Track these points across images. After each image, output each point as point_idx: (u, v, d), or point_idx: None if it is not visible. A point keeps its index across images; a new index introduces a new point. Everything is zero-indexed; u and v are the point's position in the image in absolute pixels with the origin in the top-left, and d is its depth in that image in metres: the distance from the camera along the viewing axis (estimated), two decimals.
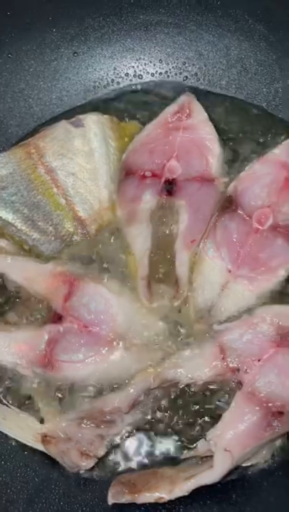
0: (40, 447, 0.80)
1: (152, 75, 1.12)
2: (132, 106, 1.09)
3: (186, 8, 1.06)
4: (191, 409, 0.83)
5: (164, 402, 0.83)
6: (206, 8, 1.06)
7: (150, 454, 0.83)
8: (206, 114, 0.99)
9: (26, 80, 1.08)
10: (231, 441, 0.75)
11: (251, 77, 1.07)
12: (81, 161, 0.97)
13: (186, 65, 1.10)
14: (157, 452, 0.83)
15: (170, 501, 0.74)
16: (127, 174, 0.98)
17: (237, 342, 0.82)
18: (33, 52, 1.07)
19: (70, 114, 1.05)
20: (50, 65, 1.09)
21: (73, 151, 0.97)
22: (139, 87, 1.11)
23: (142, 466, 0.81)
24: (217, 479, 0.74)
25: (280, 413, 0.76)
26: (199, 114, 1.00)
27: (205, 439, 0.76)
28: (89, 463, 0.79)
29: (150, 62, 1.11)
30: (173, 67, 1.11)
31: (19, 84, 1.08)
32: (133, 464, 0.82)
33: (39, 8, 1.05)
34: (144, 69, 1.11)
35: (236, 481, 0.77)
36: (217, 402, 0.82)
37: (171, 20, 1.08)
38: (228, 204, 0.94)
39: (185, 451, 0.80)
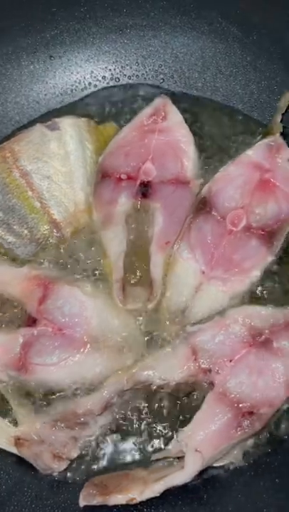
0: (13, 450, 0.80)
1: (129, 77, 1.12)
2: (110, 108, 1.09)
3: (160, 11, 1.07)
4: (163, 410, 0.84)
5: (137, 404, 0.83)
6: (180, 10, 1.06)
7: (123, 456, 0.83)
8: (181, 116, 1.00)
9: (3, 84, 1.08)
10: (202, 442, 0.75)
11: (226, 78, 1.08)
12: (56, 164, 0.98)
13: (163, 67, 1.11)
14: (130, 453, 0.83)
15: (141, 502, 0.74)
16: (103, 177, 0.98)
17: (209, 343, 0.82)
18: (9, 57, 1.08)
19: (47, 117, 1.05)
20: (26, 69, 1.09)
21: (48, 155, 0.98)
22: (116, 89, 1.12)
23: (115, 468, 0.82)
24: (188, 480, 0.74)
25: (251, 413, 0.76)
26: (174, 117, 1.00)
27: (176, 439, 0.77)
28: (61, 465, 0.80)
29: (127, 65, 1.12)
30: (149, 69, 1.11)
31: None
32: (106, 466, 0.82)
33: (14, 12, 1.06)
34: (120, 72, 1.12)
35: (207, 481, 0.78)
36: (189, 404, 0.83)
37: (145, 22, 1.08)
38: (203, 206, 0.94)
39: (157, 453, 0.81)
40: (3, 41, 1.07)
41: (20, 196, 0.95)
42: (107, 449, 0.83)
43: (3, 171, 0.96)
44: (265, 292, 0.90)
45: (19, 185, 0.96)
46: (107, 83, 1.12)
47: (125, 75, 1.12)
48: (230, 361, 0.81)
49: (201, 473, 0.75)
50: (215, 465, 0.78)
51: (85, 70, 1.11)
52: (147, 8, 1.07)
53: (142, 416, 0.84)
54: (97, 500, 0.74)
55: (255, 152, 0.96)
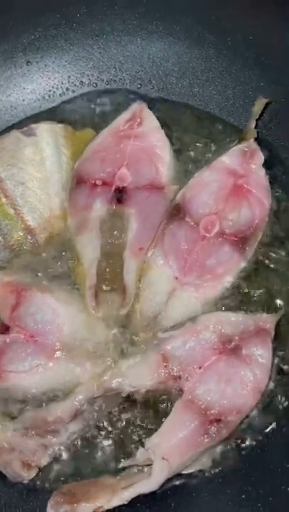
0: None
1: (107, 83, 1.12)
2: (87, 114, 1.09)
3: (136, 16, 1.07)
4: (133, 418, 0.84)
5: (107, 411, 0.83)
6: (156, 16, 1.06)
7: (93, 463, 0.83)
8: (157, 121, 1.00)
9: None
10: (169, 450, 0.75)
11: (203, 84, 1.07)
12: (32, 170, 0.98)
13: (140, 72, 1.11)
14: (99, 461, 0.83)
15: (108, 510, 0.74)
16: (78, 182, 0.98)
17: (180, 350, 0.82)
18: None
19: (25, 123, 1.05)
20: (3, 74, 1.09)
21: (23, 161, 0.98)
22: (93, 95, 1.11)
23: (85, 476, 0.81)
24: (155, 487, 0.74)
25: (218, 421, 0.76)
26: (150, 122, 1.00)
27: (144, 447, 0.77)
28: (31, 473, 0.80)
29: (104, 70, 1.11)
30: (127, 74, 1.11)
31: None
32: (75, 474, 0.82)
33: None
34: (98, 77, 1.12)
35: (176, 488, 0.78)
36: (159, 411, 0.83)
37: (122, 28, 1.08)
38: (176, 212, 0.94)
39: (125, 460, 0.81)
40: None
41: None
42: (77, 456, 0.83)
43: None
44: (236, 298, 0.90)
45: None
46: (85, 88, 1.12)
47: (103, 80, 1.12)
48: (200, 368, 0.81)
49: (169, 480, 0.75)
50: (184, 472, 0.78)
51: (63, 75, 1.11)
52: (124, 13, 1.07)
53: (112, 423, 0.83)
54: (64, 509, 0.74)
55: (229, 158, 0.96)
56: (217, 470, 0.79)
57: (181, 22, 1.05)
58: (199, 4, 1.04)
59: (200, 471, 0.79)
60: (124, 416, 0.84)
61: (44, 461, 0.80)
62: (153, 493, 0.74)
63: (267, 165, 0.96)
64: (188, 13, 1.04)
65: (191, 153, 1.04)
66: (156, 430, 0.79)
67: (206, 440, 0.75)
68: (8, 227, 0.95)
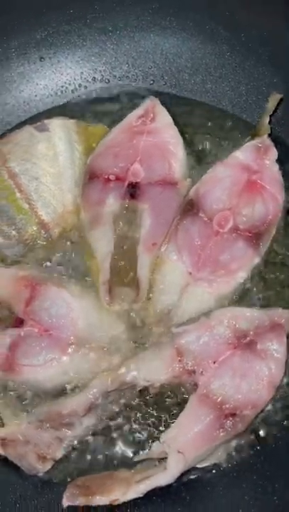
0: None
1: (119, 79, 1.12)
2: (99, 110, 1.09)
3: (150, 12, 1.07)
4: (147, 412, 0.84)
5: (121, 405, 0.84)
6: (170, 12, 1.06)
7: (107, 457, 0.83)
8: (170, 117, 1.00)
9: None
10: (185, 443, 0.75)
11: (216, 80, 1.08)
12: (45, 165, 0.98)
13: (153, 69, 1.11)
14: (114, 454, 0.83)
15: (124, 503, 0.75)
16: (91, 178, 0.98)
17: (194, 344, 0.83)
18: None
19: (37, 118, 1.05)
20: (16, 70, 1.09)
21: (37, 156, 0.98)
22: (106, 91, 1.12)
23: (99, 469, 0.82)
24: (170, 481, 0.74)
25: (233, 415, 0.77)
26: (163, 118, 1.00)
27: (159, 441, 0.77)
28: (46, 466, 0.80)
29: (117, 66, 1.12)
30: (139, 70, 1.11)
31: None
32: (90, 467, 0.83)
33: (4, 14, 1.06)
34: (110, 73, 1.12)
35: (191, 482, 0.78)
36: (173, 405, 0.83)
37: (136, 24, 1.08)
38: (190, 207, 0.95)
39: (140, 453, 0.81)
40: None
41: (9, 197, 0.96)
42: (92, 449, 0.83)
43: None
44: (250, 294, 0.90)
45: (7, 186, 0.96)
46: (98, 85, 1.12)
47: (115, 77, 1.12)
48: (214, 363, 0.81)
49: (184, 474, 0.76)
50: (198, 466, 0.78)
51: (75, 71, 1.12)
52: (137, 9, 1.07)
53: (127, 417, 0.84)
54: (80, 501, 0.74)
55: (243, 154, 0.96)
56: (232, 464, 0.79)
57: (195, 18, 1.06)
58: (213, 0, 1.04)
59: (215, 465, 0.79)
60: (138, 410, 0.84)
61: (59, 453, 0.80)
62: (168, 487, 0.75)
63: (280, 161, 0.96)
64: (202, 9, 1.04)
65: (204, 149, 1.04)
66: (170, 424, 0.80)
67: (221, 434, 0.75)
68: (23, 221, 0.95)
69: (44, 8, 1.07)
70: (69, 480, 0.79)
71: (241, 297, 0.89)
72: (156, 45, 1.09)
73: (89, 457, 0.83)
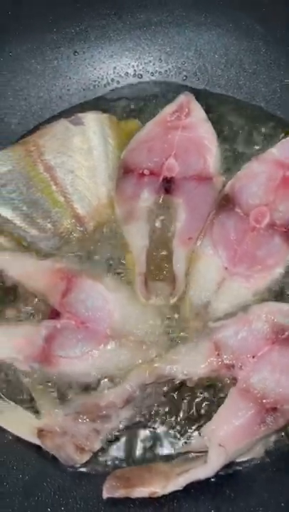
0: (36, 441, 0.81)
1: (152, 74, 1.13)
2: (132, 105, 1.09)
3: (185, 8, 1.07)
4: (185, 405, 0.84)
5: (159, 398, 0.84)
6: (205, 8, 1.06)
7: (145, 449, 0.83)
8: (204, 113, 1.00)
9: (27, 79, 1.09)
10: (225, 437, 0.75)
11: (250, 76, 1.08)
12: (80, 158, 0.98)
13: (186, 64, 1.11)
14: (152, 447, 0.83)
15: (164, 496, 0.74)
16: (125, 172, 0.98)
17: (232, 339, 0.82)
18: (33, 52, 1.08)
19: (70, 112, 1.06)
20: (50, 64, 1.10)
21: (72, 149, 0.98)
22: (138, 86, 1.12)
23: (137, 461, 0.82)
24: (211, 474, 0.74)
25: (274, 409, 0.76)
26: (198, 113, 1.01)
27: (199, 434, 0.77)
28: (84, 457, 0.80)
29: (150, 61, 1.12)
30: (172, 66, 1.12)
31: (20, 83, 1.09)
32: (128, 459, 0.83)
33: (40, 7, 1.06)
34: (143, 68, 1.12)
35: (230, 476, 0.78)
36: (212, 398, 0.83)
37: (170, 19, 1.09)
38: (226, 202, 0.95)
39: (179, 447, 0.81)
40: (28, 37, 1.07)
41: (44, 190, 0.96)
42: (129, 442, 0.83)
43: (28, 165, 0.96)
44: (288, 289, 0.90)
45: (43, 179, 0.96)
46: (130, 79, 1.12)
47: (148, 72, 1.12)
48: (253, 357, 0.81)
49: (223, 468, 0.75)
50: (238, 460, 0.78)
51: (108, 66, 1.12)
52: (172, 5, 1.08)
53: (164, 410, 0.84)
54: (120, 493, 0.74)
55: (278, 150, 0.96)
56: (271, 459, 0.79)
57: (230, 14, 1.06)
58: None
59: (253, 459, 0.79)
60: (175, 403, 0.84)
61: (97, 445, 0.80)
62: (207, 480, 0.74)
63: None
64: (237, 5, 1.05)
65: (236, 144, 1.04)
66: (207, 418, 0.80)
67: (262, 428, 0.75)
68: (58, 214, 0.96)
69: (79, 3, 1.08)
70: (106, 472, 0.79)
71: (279, 292, 0.89)
72: (190, 41, 1.10)
73: (126, 450, 0.83)
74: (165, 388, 0.83)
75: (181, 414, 0.84)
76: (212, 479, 0.75)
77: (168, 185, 0.96)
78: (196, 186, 0.96)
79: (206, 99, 1.06)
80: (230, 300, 0.89)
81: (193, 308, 0.89)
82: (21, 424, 0.83)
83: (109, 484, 0.75)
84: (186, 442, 0.82)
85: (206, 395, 0.84)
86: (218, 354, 0.82)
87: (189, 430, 0.83)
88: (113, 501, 0.75)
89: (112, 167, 1.00)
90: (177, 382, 0.82)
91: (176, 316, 0.89)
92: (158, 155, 0.98)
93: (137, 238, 0.94)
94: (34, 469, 0.80)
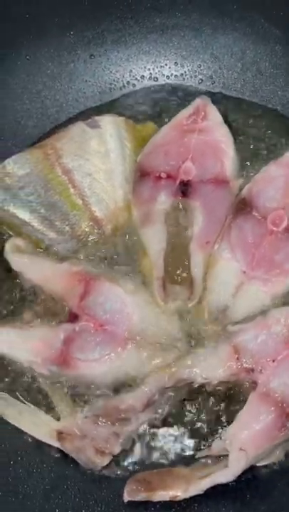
0: (55, 444, 0.81)
1: (168, 77, 1.13)
2: (148, 108, 1.10)
3: (201, 11, 1.07)
4: (205, 409, 0.84)
5: (178, 402, 0.84)
6: (221, 11, 1.07)
7: (165, 453, 0.83)
8: (220, 116, 1.00)
9: (43, 82, 1.10)
10: (246, 441, 0.75)
11: (266, 80, 1.08)
12: (97, 161, 0.98)
13: (202, 68, 1.12)
14: (172, 451, 0.83)
15: (185, 500, 0.75)
16: (142, 175, 0.98)
17: (251, 343, 0.82)
18: (50, 55, 1.09)
19: (86, 115, 1.06)
20: (66, 67, 1.10)
21: (90, 152, 0.98)
22: (154, 89, 1.12)
23: (157, 465, 0.82)
24: (232, 478, 0.74)
25: None
26: (214, 117, 1.01)
27: (220, 438, 0.77)
28: (104, 460, 0.80)
29: (166, 64, 1.12)
30: (188, 69, 1.12)
31: (36, 86, 1.09)
32: (148, 463, 0.83)
33: (56, 11, 1.07)
34: (159, 71, 1.13)
35: (250, 480, 0.78)
36: (232, 402, 0.83)
37: (187, 23, 1.09)
38: (243, 206, 0.95)
39: (200, 451, 0.81)
40: (45, 40, 1.08)
41: (63, 193, 0.96)
42: (149, 446, 0.83)
43: (46, 168, 0.96)
44: None
45: (61, 182, 0.96)
46: (146, 83, 1.13)
47: (164, 75, 1.13)
48: (273, 361, 0.81)
49: (244, 472, 0.75)
50: (258, 465, 0.78)
51: (124, 69, 1.12)
52: (189, 8, 1.08)
53: (183, 414, 0.84)
54: (141, 496, 0.74)
55: None
56: None
57: (247, 17, 1.06)
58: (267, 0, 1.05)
59: (274, 463, 0.79)
60: (194, 407, 0.84)
61: (117, 448, 0.80)
62: (227, 485, 0.74)
63: None
64: (255, 9, 1.05)
65: (252, 148, 1.04)
66: (227, 422, 0.80)
67: (283, 433, 0.75)
68: (76, 217, 0.96)
69: (96, 7, 1.08)
70: (126, 476, 0.79)
71: None
72: (206, 45, 1.10)
73: (146, 453, 0.83)
74: (185, 392, 0.83)
75: (201, 418, 0.84)
76: (232, 483, 0.75)
77: (185, 189, 0.96)
78: (213, 190, 0.96)
79: (222, 103, 1.06)
80: (249, 304, 0.89)
81: (211, 312, 0.89)
82: (41, 426, 0.83)
83: (130, 487, 0.75)
84: (204, 446, 0.82)
85: (225, 398, 0.84)
86: (237, 358, 0.82)
87: (210, 434, 0.83)
88: (134, 504, 0.76)
89: (129, 170, 1.00)
90: (196, 385, 0.82)
91: (194, 319, 0.89)
92: (174, 158, 0.98)
93: (154, 241, 0.94)
94: (54, 472, 0.81)
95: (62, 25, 1.08)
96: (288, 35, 1.04)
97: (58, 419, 0.83)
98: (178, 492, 0.74)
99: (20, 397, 0.85)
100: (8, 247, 0.94)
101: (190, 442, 0.83)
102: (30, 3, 1.04)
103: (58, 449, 0.81)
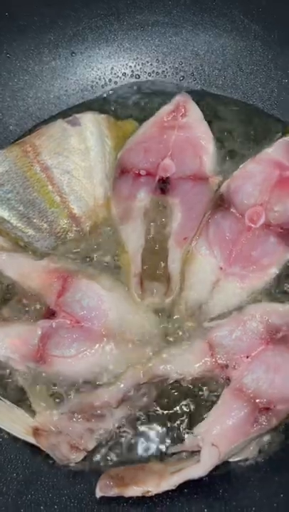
0: (31, 440, 0.81)
1: (149, 74, 1.13)
2: (129, 105, 1.10)
3: (182, 8, 1.08)
4: (179, 405, 0.84)
5: (153, 398, 0.84)
6: (201, 8, 1.07)
7: (138, 449, 0.83)
8: (201, 113, 1.00)
9: (25, 80, 1.10)
10: (218, 437, 0.75)
11: (247, 76, 1.08)
12: (77, 159, 0.99)
13: (183, 65, 1.12)
14: (146, 447, 0.83)
15: (157, 495, 0.75)
16: (122, 172, 0.99)
17: (226, 339, 0.83)
18: (31, 52, 1.09)
19: (68, 113, 1.06)
20: (48, 64, 1.10)
21: (69, 150, 0.98)
22: (136, 86, 1.12)
23: (130, 461, 0.82)
24: (204, 474, 0.74)
25: (267, 409, 0.76)
26: (194, 114, 1.01)
27: (192, 433, 0.77)
28: (78, 456, 0.80)
29: (147, 62, 1.12)
30: (169, 67, 1.12)
31: (18, 84, 1.09)
32: (122, 458, 0.83)
33: (37, 8, 1.07)
34: (141, 69, 1.13)
35: (223, 475, 0.78)
36: (205, 398, 0.83)
37: (167, 20, 1.09)
38: (221, 202, 0.95)
39: (173, 446, 0.81)
40: (26, 37, 1.08)
41: (41, 190, 0.96)
42: (123, 441, 0.83)
43: (24, 165, 0.97)
44: (283, 289, 0.90)
45: (40, 179, 0.97)
46: (127, 80, 1.12)
47: (145, 72, 1.13)
48: (247, 357, 0.81)
49: (217, 467, 0.76)
50: (231, 460, 0.78)
51: (106, 66, 1.12)
52: (169, 5, 1.08)
53: (158, 410, 0.84)
54: (113, 492, 0.75)
55: (274, 150, 0.96)
56: (265, 459, 0.79)
57: (227, 14, 1.06)
58: None
59: (247, 459, 0.79)
60: (170, 402, 0.84)
61: (91, 444, 0.80)
62: (200, 480, 0.75)
63: None
64: (234, 5, 1.05)
65: (232, 144, 1.04)
66: (201, 417, 0.80)
67: (255, 428, 0.75)
68: (54, 214, 0.96)
69: (77, 4, 1.08)
70: (100, 471, 0.79)
71: (272, 293, 0.89)
72: (187, 42, 1.10)
73: (120, 449, 0.83)
74: (159, 388, 0.83)
75: (173, 414, 0.84)
76: (205, 478, 0.75)
77: (164, 186, 0.96)
78: (192, 186, 0.96)
79: (203, 100, 1.06)
80: (225, 300, 0.89)
81: (188, 308, 0.90)
82: (17, 423, 0.83)
83: (102, 483, 0.76)
84: (178, 442, 0.82)
85: (199, 394, 0.84)
86: (212, 354, 0.82)
87: (183, 430, 0.83)
88: (106, 500, 0.76)
89: (109, 167, 1.00)
90: (171, 381, 0.82)
91: (171, 315, 0.89)
92: (154, 155, 0.98)
93: (133, 238, 0.95)
94: (28, 468, 0.81)
95: (42, 23, 1.08)
96: (267, 31, 1.04)
97: (34, 416, 0.83)
98: (150, 487, 0.74)
99: None
100: None
101: (163, 438, 0.83)
102: (10, 1, 1.05)
103: (32, 445, 0.81)
